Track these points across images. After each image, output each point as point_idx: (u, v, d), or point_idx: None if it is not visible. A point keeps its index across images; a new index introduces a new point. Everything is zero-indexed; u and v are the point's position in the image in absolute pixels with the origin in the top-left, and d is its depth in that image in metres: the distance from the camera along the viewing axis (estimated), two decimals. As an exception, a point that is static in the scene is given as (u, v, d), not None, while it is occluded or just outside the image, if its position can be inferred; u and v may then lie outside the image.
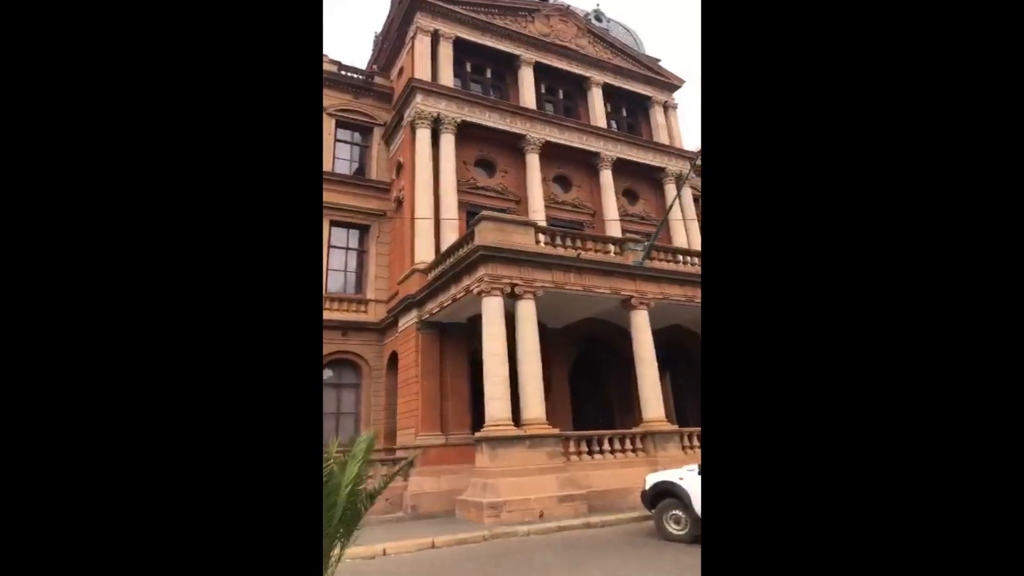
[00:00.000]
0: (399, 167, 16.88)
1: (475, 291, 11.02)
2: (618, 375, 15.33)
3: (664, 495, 8.04)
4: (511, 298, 11.12)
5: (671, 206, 13.65)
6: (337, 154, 17.76)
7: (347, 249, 17.03)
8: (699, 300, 13.41)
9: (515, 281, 11.08)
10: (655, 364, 12.25)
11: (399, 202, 16.53)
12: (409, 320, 13.94)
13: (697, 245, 19.01)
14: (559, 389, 14.27)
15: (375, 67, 20.22)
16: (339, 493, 4.34)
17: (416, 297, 13.47)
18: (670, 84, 21.77)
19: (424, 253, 14.17)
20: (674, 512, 7.85)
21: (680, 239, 18.90)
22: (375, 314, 16.21)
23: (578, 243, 12.29)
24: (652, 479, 8.38)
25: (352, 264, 17.11)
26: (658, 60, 22.51)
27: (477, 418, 11.67)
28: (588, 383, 16.45)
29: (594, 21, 23.04)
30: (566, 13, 20.07)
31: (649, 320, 12.49)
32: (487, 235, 11.06)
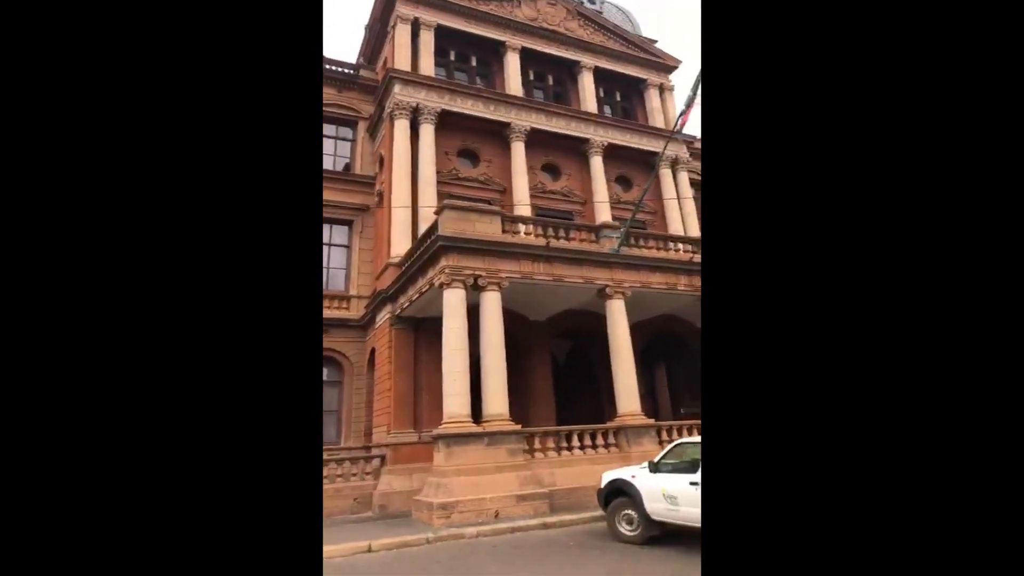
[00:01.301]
0: (381, 160, 16.59)
1: (437, 283, 10.62)
2: (608, 368, 14.79)
3: (617, 494, 7.59)
4: (476, 290, 10.69)
5: (645, 190, 12.95)
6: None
7: (331, 245, 16.80)
8: (683, 288, 12.79)
9: (478, 272, 10.64)
10: (631, 356, 11.68)
11: (381, 196, 16.24)
12: (384, 316, 13.64)
13: (693, 230, 18.25)
14: (541, 383, 13.80)
15: (362, 60, 19.97)
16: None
17: (389, 292, 13.16)
18: (666, 66, 20.94)
19: (400, 247, 13.82)
20: (626, 512, 7.40)
21: (676, 225, 18.17)
22: (358, 311, 15.98)
23: (549, 231, 11.76)
24: (608, 477, 7.92)
25: (339, 261, 16.89)
26: (654, 41, 21.74)
27: (451, 415, 11.29)
28: (580, 377, 15.94)
29: (586, 3, 22.37)
30: (555, -5, 19.45)
31: (634, 310, 11.93)
32: (449, 225, 10.63)
